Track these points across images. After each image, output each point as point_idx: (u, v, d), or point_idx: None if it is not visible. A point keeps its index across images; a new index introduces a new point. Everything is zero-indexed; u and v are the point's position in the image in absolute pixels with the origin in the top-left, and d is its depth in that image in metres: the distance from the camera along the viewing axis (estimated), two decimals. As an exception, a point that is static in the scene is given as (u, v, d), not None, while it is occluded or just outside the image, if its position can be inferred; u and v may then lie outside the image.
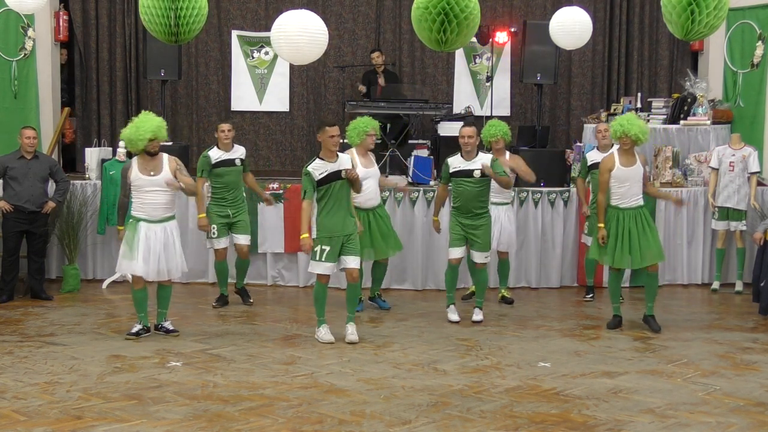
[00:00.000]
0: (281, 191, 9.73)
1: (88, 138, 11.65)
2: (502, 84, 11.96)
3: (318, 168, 7.17)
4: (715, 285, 9.85)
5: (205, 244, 8.82)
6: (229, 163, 8.56)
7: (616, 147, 8.08)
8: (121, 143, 8.88)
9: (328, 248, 7.17)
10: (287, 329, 7.88)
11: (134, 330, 7.43)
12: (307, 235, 7.19)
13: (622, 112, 10.12)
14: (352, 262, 7.27)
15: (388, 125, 11.08)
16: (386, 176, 9.54)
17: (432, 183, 10.00)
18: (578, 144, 10.48)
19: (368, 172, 8.09)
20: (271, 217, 9.76)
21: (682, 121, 10.52)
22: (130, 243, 7.21)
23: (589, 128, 10.63)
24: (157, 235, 7.23)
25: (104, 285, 9.68)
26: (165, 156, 7.35)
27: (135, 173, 7.25)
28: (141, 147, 7.18)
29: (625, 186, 7.73)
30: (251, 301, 8.86)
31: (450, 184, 8.09)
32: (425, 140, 11.04)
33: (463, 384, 6.16)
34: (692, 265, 10.11)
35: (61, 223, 9.49)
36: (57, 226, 9.47)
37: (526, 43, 10.41)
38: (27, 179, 8.84)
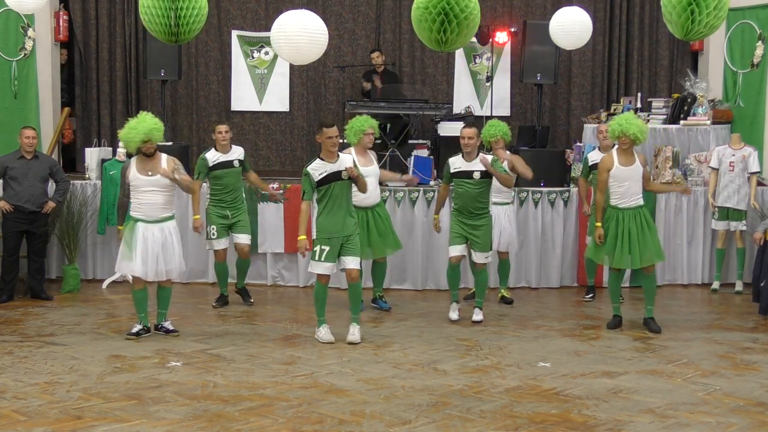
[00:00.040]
0: (281, 191, 9.72)
1: (88, 138, 11.65)
2: (502, 84, 11.96)
3: (317, 168, 7.17)
4: (715, 285, 9.85)
5: (205, 245, 8.81)
6: (227, 164, 8.54)
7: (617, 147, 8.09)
8: (121, 143, 8.88)
9: (327, 248, 7.17)
10: (287, 329, 7.88)
11: (134, 330, 7.43)
12: (304, 236, 7.20)
13: (622, 113, 10.12)
14: (351, 262, 7.26)
15: (388, 125, 11.09)
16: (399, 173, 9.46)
17: (432, 183, 10.01)
18: (578, 144, 10.48)
19: (367, 171, 8.08)
20: (271, 217, 9.76)
21: (682, 121, 10.52)
22: (128, 243, 7.22)
23: (589, 128, 10.64)
24: (155, 236, 7.23)
25: (104, 285, 9.68)
26: (164, 156, 7.36)
27: (133, 173, 7.26)
28: (134, 148, 7.23)
29: (625, 185, 7.74)
30: (252, 301, 8.86)
31: (451, 184, 8.10)
32: (425, 140, 11.04)
33: (463, 384, 6.16)
34: (692, 265, 10.11)
35: (61, 223, 9.49)
36: (57, 226, 9.47)
37: (526, 43, 10.41)
38: (27, 179, 8.84)
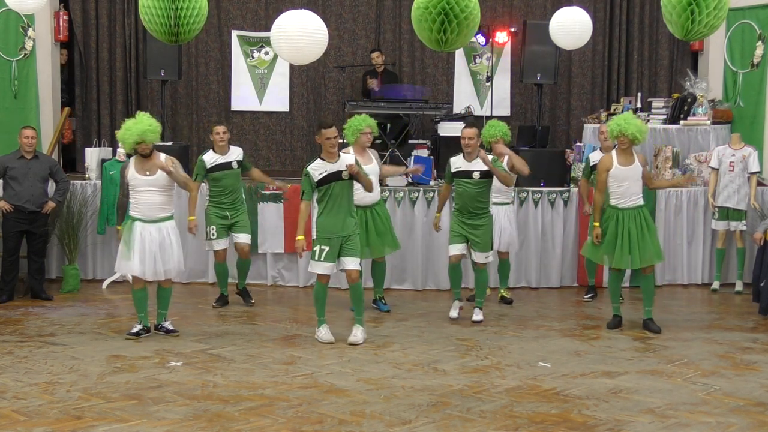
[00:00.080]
0: (281, 191, 9.73)
1: (88, 138, 11.65)
2: (502, 84, 11.96)
3: (317, 168, 7.18)
4: (715, 285, 9.85)
5: (204, 245, 8.81)
6: (226, 166, 8.52)
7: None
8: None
9: (327, 248, 7.18)
10: (287, 329, 7.88)
11: (134, 330, 7.43)
12: (302, 236, 7.21)
13: (622, 112, 10.12)
14: (350, 263, 7.26)
15: (388, 125, 11.08)
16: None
17: (432, 183, 10.01)
18: (578, 144, 10.48)
19: (366, 170, 8.06)
20: (271, 217, 9.77)
21: (682, 121, 10.51)
22: (127, 243, 7.23)
23: (589, 128, 10.63)
24: (152, 235, 7.24)
25: (104, 285, 9.68)
26: (162, 156, 7.36)
27: (131, 173, 7.28)
28: (129, 149, 7.28)
29: (624, 185, 7.74)
30: (253, 302, 8.84)
31: (453, 184, 8.11)
32: (425, 140, 11.03)
33: (463, 384, 6.16)
34: (692, 265, 10.11)
35: (61, 223, 9.49)
36: (57, 226, 9.47)
37: (526, 43, 10.40)
38: (27, 179, 8.84)
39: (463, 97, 12.10)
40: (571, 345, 7.36)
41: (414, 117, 11.03)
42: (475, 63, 12.19)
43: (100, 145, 10.65)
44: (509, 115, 11.95)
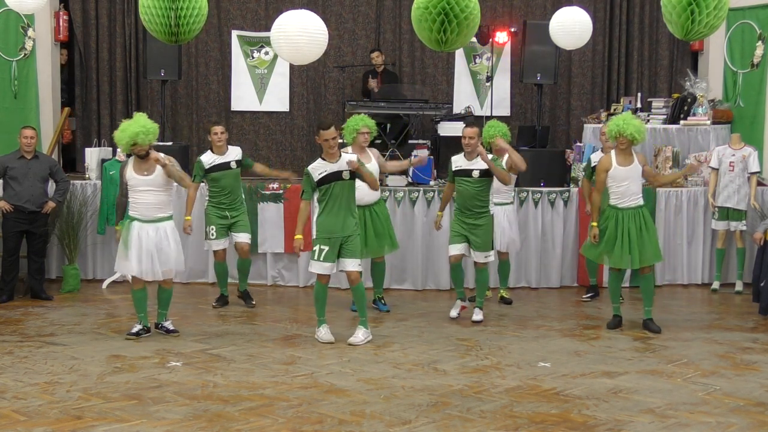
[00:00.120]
0: (281, 191, 9.73)
1: (88, 138, 11.64)
2: (502, 84, 11.95)
3: (317, 168, 7.19)
4: (715, 285, 9.85)
5: (204, 245, 8.80)
6: (224, 166, 8.50)
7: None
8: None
9: (326, 248, 7.18)
10: (287, 329, 7.88)
11: (134, 330, 7.43)
12: (300, 236, 7.23)
13: (622, 112, 10.12)
14: (350, 264, 7.26)
15: (388, 125, 11.08)
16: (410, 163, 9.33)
17: (432, 183, 10.00)
18: (578, 144, 10.48)
19: None
20: (271, 217, 9.77)
21: (682, 121, 10.52)
22: (125, 243, 7.24)
23: (589, 128, 10.63)
24: (149, 235, 7.23)
25: (104, 285, 9.68)
26: (161, 155, 7.35)
27: (130, 172, 7.29)
28: (125, 150, 7.31)
29: (624, 185, 7.75)
30: (254, 303, 8.81)
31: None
32: (425, 140, 11.03)
33: (463, 384, 6.16)
34: (692, 265, 10.11)
35: (61, 223, 9.49)
36: (57, 226, 9.47)
37: (526, 43, 10.40)
38: (27, 179, 8.84)
39: (463, 97, 12.10)
40: (571, 345, 7.37)
41: (414, 117, 11.02)
42: (475, 63, 12.19)
43: (100, 145, 10.65)
44: (509, 115, 11.94)
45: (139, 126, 7.14)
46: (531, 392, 6.01)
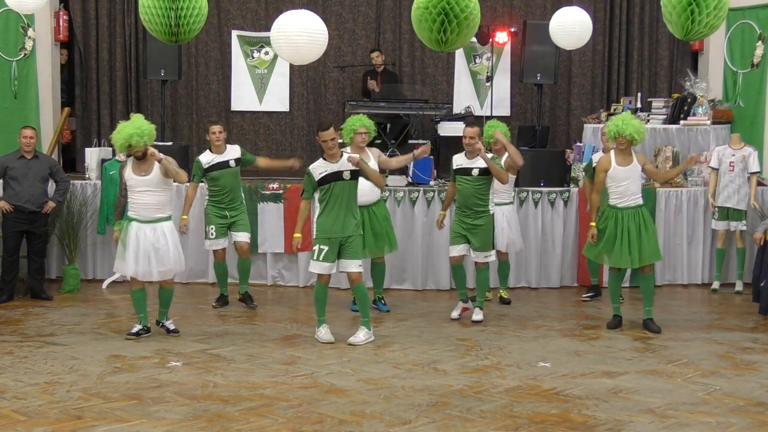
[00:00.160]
0: (281, 191, 9.73)
1: (88, 138, 11.64)
2: (502, 84, 11.95)
3: (318, 168, 7.20)
4: (715, 285, 9.85)
5: (204, 245, 8.79)
6: (223, 165, 8.49)
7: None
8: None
9: (326, 248, 7.18)
10: (287, 329, 7.88)
11: (134, 330, 7.44)
12: (299, 234, 7.24)
13: (622, 112, 10.12)
14: (350, 265, 7.26)
15: (388, 125, 11.08)
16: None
17: (432, 183, 10.00)
18: (578, 144, 10.48)
19: None
20: (271, 217, 9.77)
21: (682, 121, 10.52)
22: (123, 243, 7.24)
23: (589, 128, 10.63)
24: (147, 235, 7.23)
25: (104, 285, 9.67)
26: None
27: (128, 172, 7.30)
28: (120, 151, 7.34)
29: (623, 185, 7.75)
30: (255, 305, 8.78)
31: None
32: (425, 140, 11.02)
33: (463, 384, 6.16)
34: (692, 265, 10.11)
35: (61, 223, 9.49)
36: (57, 226, 9.47)
37: (526, 43, 10.40)
38: (27, 179, 8.84)
39: (463, 97, 12.10)
40: (571, 345, 7.37)
41: (414, 117, 11.02)
42: (475, 63, 12.19)
43: (100, 145, 10.65)
44: (509, 115, 11.94)
45: (134, 128, 7.13)
46: (531, 392, 6.01)
